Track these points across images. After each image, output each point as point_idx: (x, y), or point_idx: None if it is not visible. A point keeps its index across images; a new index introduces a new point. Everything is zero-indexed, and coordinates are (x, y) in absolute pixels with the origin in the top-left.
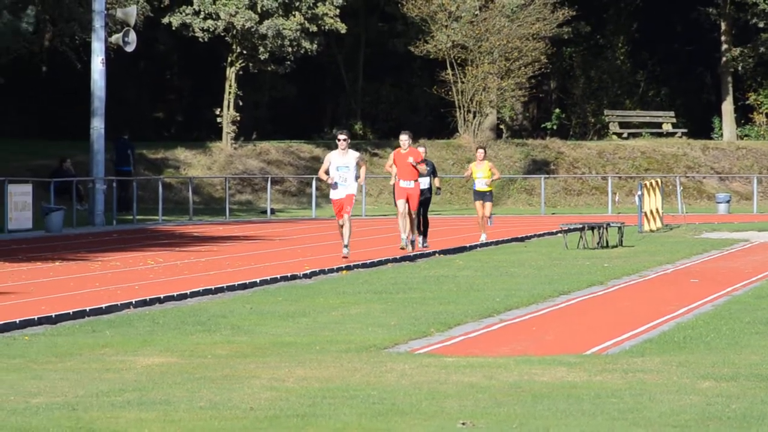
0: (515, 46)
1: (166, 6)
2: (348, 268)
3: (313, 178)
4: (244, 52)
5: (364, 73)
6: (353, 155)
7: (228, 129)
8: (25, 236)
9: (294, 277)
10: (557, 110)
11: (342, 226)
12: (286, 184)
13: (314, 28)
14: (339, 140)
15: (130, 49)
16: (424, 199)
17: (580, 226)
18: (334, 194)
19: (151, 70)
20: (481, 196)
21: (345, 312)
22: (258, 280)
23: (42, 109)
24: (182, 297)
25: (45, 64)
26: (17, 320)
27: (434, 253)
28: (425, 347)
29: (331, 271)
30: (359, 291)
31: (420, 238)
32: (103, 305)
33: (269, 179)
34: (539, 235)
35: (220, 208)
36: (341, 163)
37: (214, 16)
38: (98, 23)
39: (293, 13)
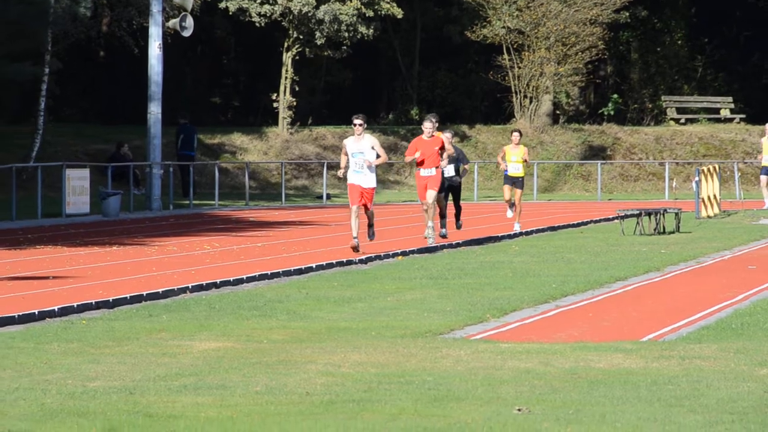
0: (572, 31)
1: None
2: (404, 253)
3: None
4: (301, 37)
5: (420, 58)
6: (368, 140)
7: (284, 114)
8: (83, 221)
9: (350, 263)
10: (614, 95)
11: (357, 216)
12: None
13: (371, 13)
14: (355, 125)
15: (187, 33)
16: (455, 186)
17: (637, 212)
18: (351, 179)
19: (207, 55)
20: (512, 181)
21: (401, 297)
22: (314, 265)
23: (99, 95)
24: (238, 282)
25: (102, 49)
26: (75, 304)
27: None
28: (481, 333)
29: (387, 256)
30: (415, 276)
31: (457, 223)
32: (160, 290)
33: (325, 164)
34: (596, 221)
35: (276, 193)
36: (356, 149)
37: (271, 1)
38: (155, 8)
39: None
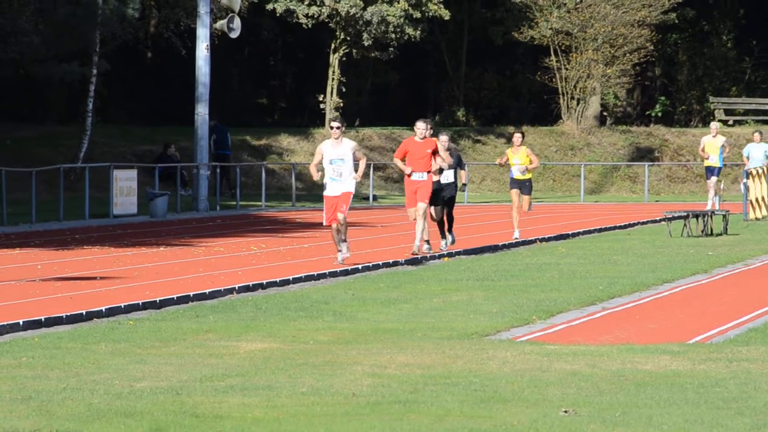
0: (620, 33)
1: None
2: (450, 255)
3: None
4: (348, 38)
5: (466, 60)
6: (349, 145)
7: (331, 115)
8: (130, 221)
9: (396, 264)
10: (662, 97)
11: (337, 231)
12: (388, 171)
13: (418, 15)
14: (332, 128)
15: (234, 35)
16: (450, 196)
17: (685, 213)
18: (328, 190)
19: (254, 56)
20: (517, 184)
21: (447, 299)
22: (360, 266)
23: (147, 96)
24: (285, 283)
25: (150, 50)
26: (122, 305)
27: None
28: (527, 335)
29: (433, 257)
30: (461, 278)
31: (443, 241)
32: (207, 291)
33: (371, 166)
34: (643, 223)
35: (322, 194)
36: (335, 155)
37: (318, 3)
38: (203, 9)
39: None
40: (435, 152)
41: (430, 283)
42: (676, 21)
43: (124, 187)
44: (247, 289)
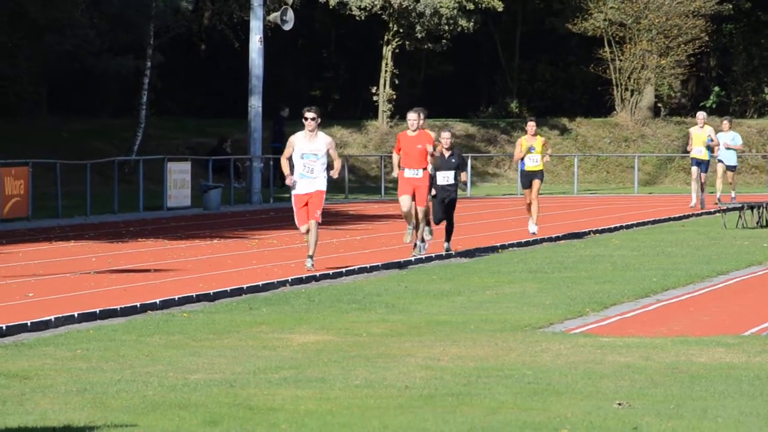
0: (674, 24)
1: None
2: (503, 247)
3: (468, 156)
4: (401, 30)
5: (520, 51)
6: (323, 140)
7: (384, 107)
8: (184, 214)
9: (449, 256)
10: (716, 88)
11: (306, 232)
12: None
13: (471, 6)
14: (306, 119)
15: (287, 27)
16: (450, 199)
17: (740, 205)
18: (298, 188)
19: (308, 48)
20: (529, 177)
21: (500, 291)
22: (413, 259)
23: (200, 88)
24: (338, 275)
25: (204, 43)
26: (176, 297)
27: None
28: (581, 327)
29: (486, 249)
30: (514, 270)
31: (445, 244)
32: (260, 283)
33: None
34: (697, 215)
35: (375, 186)
36: (308, 150)
37: None
38: (256, 2)
39: None
40: (431, 146)
41: (483, 276)
42: (732, 11)
43: (178, 179)
44: (300, 281)
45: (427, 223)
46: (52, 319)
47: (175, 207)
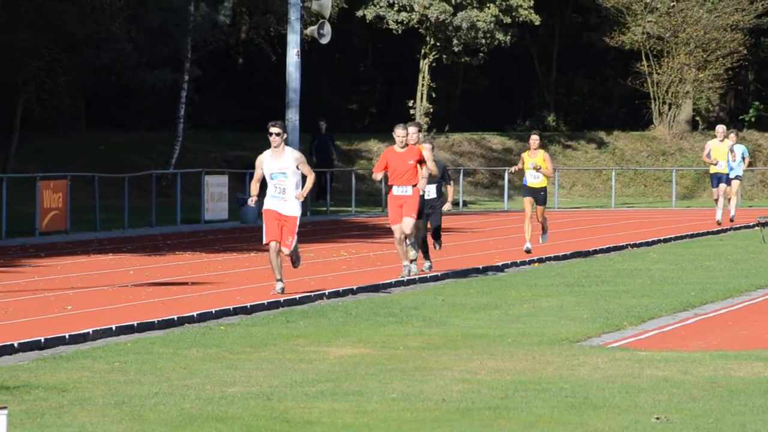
0: (713, 37)
1: None
2: (540, 260)
3: (505, 170)
4: (438, 43)
5: (557, 65)
6: (291, 156)
7: (421, 121)
8: (221, 227)
9: (486, 269)
10: (756, 102)
11: (277, 253)
12: (477, 176)
13: (508, 20)
14: (271, 134)
15: (325, 41)
16: (435, 213)
17: (764, 220)
18: (268, 204)
19: (345, 62)
20: (530, 192)
21: (537, 304)
22: (450, 272)
23: (238, 102)
24: (374, 288)
25: (241, 56)
26: (213, 310)
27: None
28: (618, 341)
29: (523, 263)
30: (551, 284)
31: (426, 263)
32: (297, 296)
33: (461, 171)
34: (736, 229)
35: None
36: (276, 168)
37: (408, 8)
38: (294, 15)
39: (487, 5)
40: (421, 162)
41: (520, 289)
42: None
43: (215, 192)
44: (337, 294)
45: (427, 256)
46: (90, 332)
47: (213, 220)
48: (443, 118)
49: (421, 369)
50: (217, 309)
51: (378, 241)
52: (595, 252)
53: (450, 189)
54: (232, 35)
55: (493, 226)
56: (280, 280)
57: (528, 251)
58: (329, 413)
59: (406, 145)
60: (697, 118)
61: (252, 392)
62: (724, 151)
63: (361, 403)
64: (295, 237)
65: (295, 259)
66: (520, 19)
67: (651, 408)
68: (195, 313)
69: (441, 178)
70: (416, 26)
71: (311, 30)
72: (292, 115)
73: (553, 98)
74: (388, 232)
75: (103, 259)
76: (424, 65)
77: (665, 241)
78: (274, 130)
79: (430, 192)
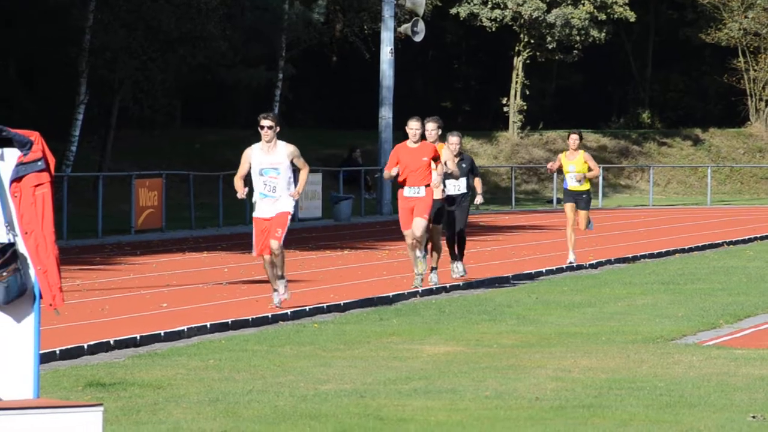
0: None
1: None
2: (634, 258)
3: (600, 168)
4: (532, 41)
5: (652, 61)
6: (284, 150)
7: (514, 118)
8: (315, 225)
9: (580, 267)
10: None
11: (272, 264)
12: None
13: (603, 17)
14: (262, 128)
15: (418, 38)
16: (461, 208)
17: None
18: (257, 211)
19: (438, 59)
20: (572, 197)
21: (631, 302)
22: (544, 270)
23: (331, 99)
24: (468, 286)
25: (335, 54)
26: (307, 308)
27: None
28: (714, 339)
29: (618, 261)
30: (646, 282)
31: (454, 265)
32: (390, 294)
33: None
34: None
35: (505, 197)
36: (266, 164)
37: (501, 6)
38: (387, 13)
39: (582, 1)
40: (436, 159)
41: (615, 287)
42: None
43: (309, 190)
44: (430, 292)
45: (460, 257)
46: (185, 330)
47: (306, 218)
48: (537, 116)
49: (514, 367)
50: (311, 306)
51: (472, 238)
52: (691, 249)
53: (478, 182)
54: (326, 33)
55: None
56: (277, 290)
57: (572, 263)
58: (422, 411)
59: (419, 140)
60: None
61: (345, 390)
62: None
63: (455, 401)
64: (285, 230)
65: (278, 253)
66: (615, 15)
67: (747, 407)
68: (289, 311)
69: (469, 172)
70: (510, 23)
71: (405, 28)
72: (386, 113)
73: (648, 95)
74: (481, 229)
75: (198, 256)
76: (518, 63)
77: (762, 238)
78: (265, 123)
79: (460, 186)
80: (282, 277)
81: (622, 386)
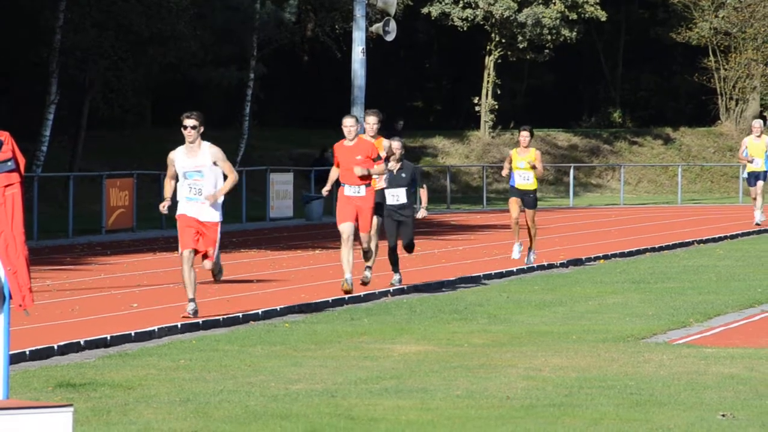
0: None
1: None
2: (605, 257)
3: (571, 167)
4: (503, 40)
5: (623, 61)
6: (208, 152)
7: (486, 117)
8: (286, 224)
9: (550, 266)
10: None
11: (190, 266)
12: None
13: (574, 16)
14: (185, 128)
15: (390, 38)
16: (405, 224)
17: None
18: (182, 208)
19: (410, 59)
20: (519, 194)
21: (602, 301)
22: (515, 269)
23: (303, 99)
24: (439, 285)
25: (306, 54)
26: (278, 307)
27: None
28: (684, 338)
29: (588, 260)
30: (616, 281)
31: (395, 276)
32: (362, 293)
33: None
34: None
35: (477, 196)
36: (190, 166)
37: (473, 5)
38: (359, 13)
39: (553, 1)
40: (376, 159)
41: (585, 286)
42: None
43: (281, 190)
44: (401, 291)
45: (394, 269)
46: (156, 330)
47: (278, 218)
48: (509, 115)
49: (485, 366)
50: (282, 306)
51: (442, 238)
52: (662, 248)
53: (423, 193)
54: (298, 33)
55: (558, 222)
56: (193, 300)
57: (517, 259)
58: (393, 410)
59: (354, 137)
60: (765, 114)
61: (316, 389)
62: (762, 148)
63: (426, 401)
64: (217, 247)
65: (216, 272)
66: (586, 15)
67: (717, 405)
68: (260, 311)
69: (411, 181)
70: (481, 23)
71: (376, 27)
72: (358, 113)
73: (619, 94)
74: (452, 228)
75: (169, 256)
76: (490, 62)
77: (732, 237)
78: (188, 122)
79: (399, 197)
80: (216, 275)
81: (593, 385)
